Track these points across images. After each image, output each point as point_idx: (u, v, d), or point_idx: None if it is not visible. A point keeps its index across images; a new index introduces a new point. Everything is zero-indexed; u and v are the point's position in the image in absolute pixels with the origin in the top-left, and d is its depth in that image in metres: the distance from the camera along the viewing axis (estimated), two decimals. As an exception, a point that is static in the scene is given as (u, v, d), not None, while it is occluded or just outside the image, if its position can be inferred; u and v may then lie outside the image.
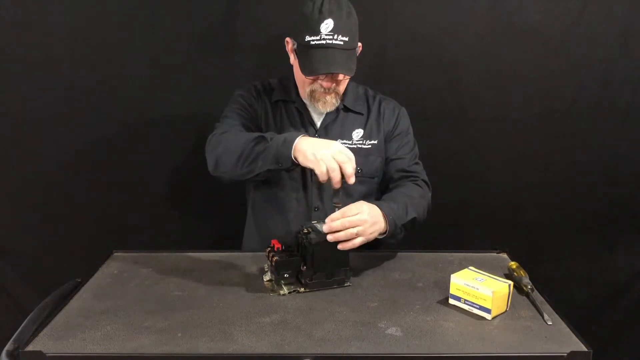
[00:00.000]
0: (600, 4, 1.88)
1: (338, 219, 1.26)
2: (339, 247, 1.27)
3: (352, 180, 1.26)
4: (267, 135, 1.39)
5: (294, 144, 1.30)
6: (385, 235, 1.36)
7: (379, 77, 1.89)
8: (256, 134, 1.41)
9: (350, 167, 1.26)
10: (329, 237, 1.26)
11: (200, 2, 1.84)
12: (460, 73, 1.94)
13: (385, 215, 1.34)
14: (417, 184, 1.57)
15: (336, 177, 1.26)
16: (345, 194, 1.57)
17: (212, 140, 1.48)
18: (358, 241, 1.28)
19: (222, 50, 1.89)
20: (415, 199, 1.49)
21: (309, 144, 1.30)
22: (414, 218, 1.44)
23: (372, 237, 1.32)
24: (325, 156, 1.26)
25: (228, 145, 1.42)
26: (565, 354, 1.04)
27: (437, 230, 1.81)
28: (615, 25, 1.90)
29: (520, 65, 1.93)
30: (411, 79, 1.94)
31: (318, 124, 1.60)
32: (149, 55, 1.88)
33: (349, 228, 1.26)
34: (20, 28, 1.83)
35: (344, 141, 1.58)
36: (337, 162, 1.25)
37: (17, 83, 1.88)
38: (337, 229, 1.26)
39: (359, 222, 1.27)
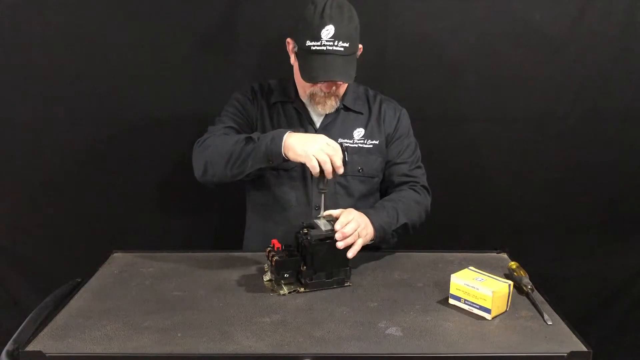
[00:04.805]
0: (600, 4, 1.88)
1: (339, 230, 1.29)
2: (349, 254, 1.30)
3: (341, 170, 1.32)
4: (254, 135, 1.42)
5: (283, 141, 1.35)
6: (374, 241, 1.42)
7: (379, 78, 1.89)
8: (243, 135, 1.44)
9: (338, 159, 1.31)
10: (339, 245, 1.29)
11: (200, 2, 1.84)
12: (460, 73, 1.94)
13: (373, 223, 1.40)
14: (414, 190, 1.59)
15: (328, 169, 1.31)
16: (347, 194, 1.58)
17: (199, 146, 1.51)
18: (360, 242, 1.33)
19: (222, 50, 1.89)
20: (408, 204, 1.53)
21: (298, 139, 1.34)
22: (406, 224, 1.49)
23: (366, 240, 1.37)
24: (315, 150, 1.31)
25: (216, 149, 1.46)
26: (565, 354, 1.04)
27: (437, 230, 1.81)
28: (615, 25, 1.90)
29: (520, 65, 1.93)
30: (411, 79, 1.94)
31: (318, 123, 1.60)
32: (149, 55, 1.88)
33: (352, 234, 1.31)
34: (20, 28, 1.83)
35: (345, 140, 1.58)
36: (326, 154, 1.30)
37: (16, 83, 1.88)
38: (348, 234, 1.29)
39: (356, 225, 1.33)
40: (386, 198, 1.56)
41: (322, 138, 1.34)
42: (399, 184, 1.61)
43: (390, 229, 1.45)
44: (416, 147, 1.66)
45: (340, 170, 1.32)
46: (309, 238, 1.29)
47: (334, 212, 1.35)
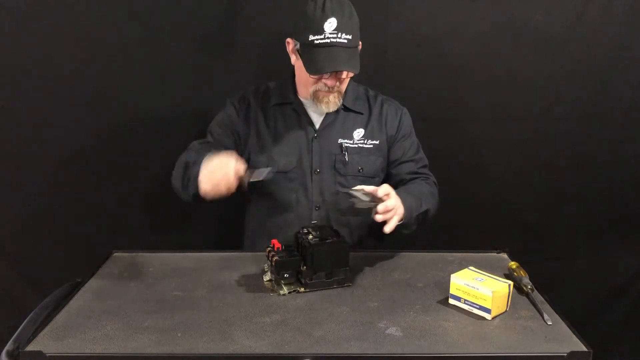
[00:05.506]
0: (600, 4, 1.88)
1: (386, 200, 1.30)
2: (386, 229, 1.30)
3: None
4: (190, 160, 1.47)
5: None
6: (401, 222, 1.37)
7: (379, 78, 1.89)
8: (189, 160, 1.48)
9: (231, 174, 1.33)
10: (379, 218, 1.29)
11: (200, 2, 1.84)
12: (460, 73, 1.94)
13: (403, 204, 1.37)
14: (428, 183, 1.60)
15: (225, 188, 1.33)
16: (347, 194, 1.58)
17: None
18: (396, 219, 1.32)
19: (222, 50, 1.89)
20: (426, 194, 1.53)
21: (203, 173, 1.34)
22: (427, 210, 1.48)
23: (397, 219, 1.35)
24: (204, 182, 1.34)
25: (175, 171, 1.56)
26: (565, 354, 1.04)
27: (437, 230, 1.81)
28: (615, 25, 1.90)
29: (520, 65, 1.93)
30: (411, 79, 1.94)
31: (317, 124, 1.60)
32: (149, 55, 1.88)
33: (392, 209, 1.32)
34: (20, 28, 1.83)
35: (345, 140, 1.58)
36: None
37: (17, 83, 1.88)
38: (390, 208, 1.29)
39: (396, 201, 1.33)
40: (407, 186, 1.55)
41: (212, 164, 1.33)
42: (411, 180, 1.61)
43: (414, 213, 1.43)
44: (419, 147, 1.67)
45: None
46: (309, 238, 1.29)
47: (366, 188, 1.33)
